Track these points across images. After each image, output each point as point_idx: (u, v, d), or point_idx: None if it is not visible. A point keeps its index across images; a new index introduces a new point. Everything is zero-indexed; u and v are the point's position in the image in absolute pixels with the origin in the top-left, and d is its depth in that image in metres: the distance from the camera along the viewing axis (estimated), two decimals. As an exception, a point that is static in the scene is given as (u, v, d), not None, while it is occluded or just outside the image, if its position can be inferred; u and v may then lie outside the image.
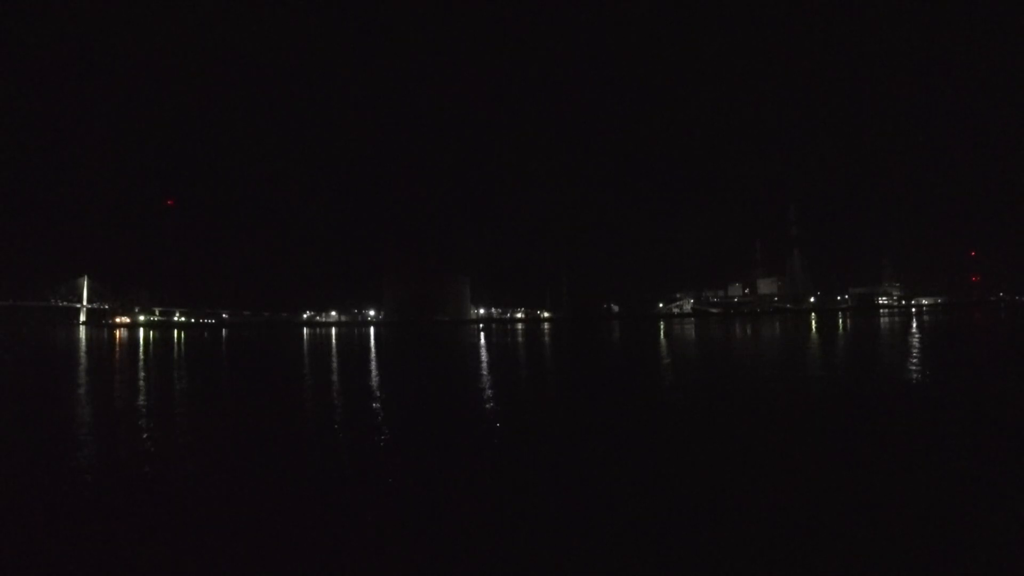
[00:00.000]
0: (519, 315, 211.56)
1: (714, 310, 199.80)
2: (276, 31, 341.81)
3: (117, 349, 55.67)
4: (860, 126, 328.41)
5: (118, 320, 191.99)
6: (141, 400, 20.58)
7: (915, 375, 21.47)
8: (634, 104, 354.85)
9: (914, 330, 52.38)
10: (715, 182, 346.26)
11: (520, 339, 62.38)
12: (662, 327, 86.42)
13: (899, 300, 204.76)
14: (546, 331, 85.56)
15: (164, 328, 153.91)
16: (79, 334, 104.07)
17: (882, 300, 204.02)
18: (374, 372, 29.71)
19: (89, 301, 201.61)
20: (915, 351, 31.65)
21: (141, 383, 26.26)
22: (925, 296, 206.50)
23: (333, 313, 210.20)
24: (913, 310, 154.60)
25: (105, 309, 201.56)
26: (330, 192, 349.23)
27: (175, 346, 59.83)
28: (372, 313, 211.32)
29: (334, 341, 65.78)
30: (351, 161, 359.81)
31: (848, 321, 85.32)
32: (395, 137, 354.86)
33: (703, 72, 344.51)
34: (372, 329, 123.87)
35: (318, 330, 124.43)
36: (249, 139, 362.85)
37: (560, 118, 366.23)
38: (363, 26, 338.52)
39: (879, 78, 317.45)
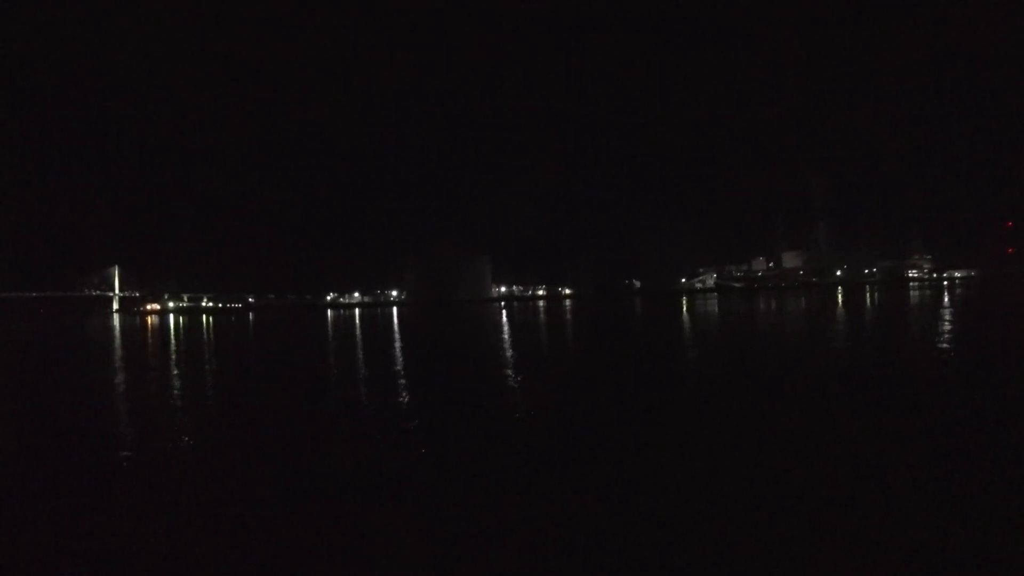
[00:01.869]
0: (540, 292, 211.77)
1: (737, 285, 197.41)
2: (297, 15, 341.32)
3: (159, 334, 57.41)
4: (888, 91, 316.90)
5: (148, 307, 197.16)
6: (188, 386, 21.39)
7: (945, 354, 20.80)
8: (652, 75, 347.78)
9: (946, 304, 50.84)
10: (737, 153, 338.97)
11: (543, 317, 62.59)
12: (685, 303, 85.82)
13: (930, 273, 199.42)
14: (568, 308, 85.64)
15: (193, 313, 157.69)
16: (115, 322, 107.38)
17: (912, 273, 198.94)
18: (407, 353, 30.32)
19: (121, 290, 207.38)
20: (946, 327, 30.54)
21: (180, 369, 27.22)
22: (957, 269, 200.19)
23: (356, 294, 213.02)
24: (945, 283, 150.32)
25: (136, 297, 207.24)
26: (351, 175, 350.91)
27: (206, 331, 61.45)
28: (394, 293, 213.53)
29: (359, 321, 66.92)
30: (371, 143, 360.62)
31: (876, 295, 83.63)
32: (415, 118, 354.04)
33: (722, 41, 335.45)
34: (395, 309, 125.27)
35: (342, 311, 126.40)
36: (271, 126, 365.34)
37: (578, 95, 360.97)
38: (384, 7, 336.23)
39: (907, 41, 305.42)
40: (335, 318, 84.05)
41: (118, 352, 35.41)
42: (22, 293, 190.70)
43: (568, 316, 61.81)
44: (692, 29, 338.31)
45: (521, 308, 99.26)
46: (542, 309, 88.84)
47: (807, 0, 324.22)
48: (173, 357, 29.96)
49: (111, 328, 73.30)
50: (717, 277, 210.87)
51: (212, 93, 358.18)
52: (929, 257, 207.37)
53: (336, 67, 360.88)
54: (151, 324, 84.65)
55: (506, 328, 44.15)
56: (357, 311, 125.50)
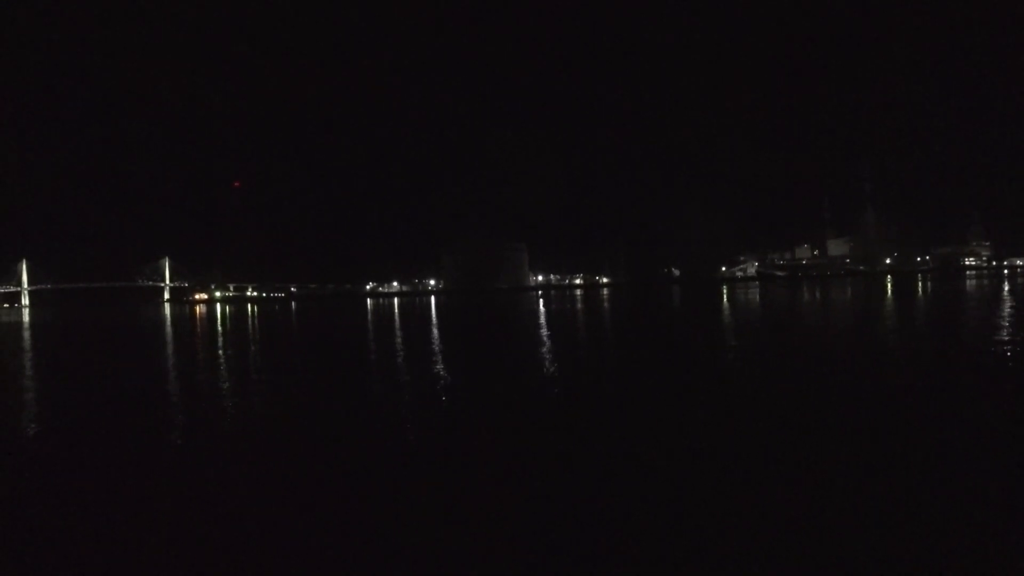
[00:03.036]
0: (577, 281, 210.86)
1: (780, 273, 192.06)
2: (335, 7, 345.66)
3: (221, 323, 59.59)
4: (940, 64, 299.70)
5: (197, 297, 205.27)
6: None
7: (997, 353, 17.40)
8: (694, 59, 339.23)
9: (1005, 294, 47.38)
10: (781, 135, 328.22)
11: (580, 306, 62.19)
12: (726, 292, 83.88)
13: (988, 261, 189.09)
14: (605, 297, 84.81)
15: (239, 303, 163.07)
16: (167, 311, 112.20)
17: (969, 261, 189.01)
18: (446, 339, 30.74)
19: (171, 280, 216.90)
20: (1004, 322, 25.71)
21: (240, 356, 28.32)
22: (1020, 257, 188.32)
23: (395, 284, 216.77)
24: (1005, 272, 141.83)
25: (185, 287, 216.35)
26: (390, 167, 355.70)
27: (253, 319, 63.49)
28: (432, 282, 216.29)
29: (398, 310, 67.98)
30: (410, 135, 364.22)
31: (931, 284, 79.72)
32: (450, 108, 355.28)
33: (768, 24, 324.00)
34: (433, 298, 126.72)
35: (381, 300, 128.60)
36: (314, 120, 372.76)
37: (618, 81, 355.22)
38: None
39: (961, 22, 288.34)
40: (376, 306, 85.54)
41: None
42: (86, 284, 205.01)
43: (606, 305, 61.24)
44: (736, 11, 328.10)
45: (559, 297, 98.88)
46: (579, 298, 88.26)
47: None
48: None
49: (178, 317, 76.65)
50: (759, 265, 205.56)
51: (256, 92, 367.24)
52: (988, 244, 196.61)
53: (377, 61, 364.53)
54: (201, 313, 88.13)
55: (544, 317, 44.15)
56: (396, 300, 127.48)
